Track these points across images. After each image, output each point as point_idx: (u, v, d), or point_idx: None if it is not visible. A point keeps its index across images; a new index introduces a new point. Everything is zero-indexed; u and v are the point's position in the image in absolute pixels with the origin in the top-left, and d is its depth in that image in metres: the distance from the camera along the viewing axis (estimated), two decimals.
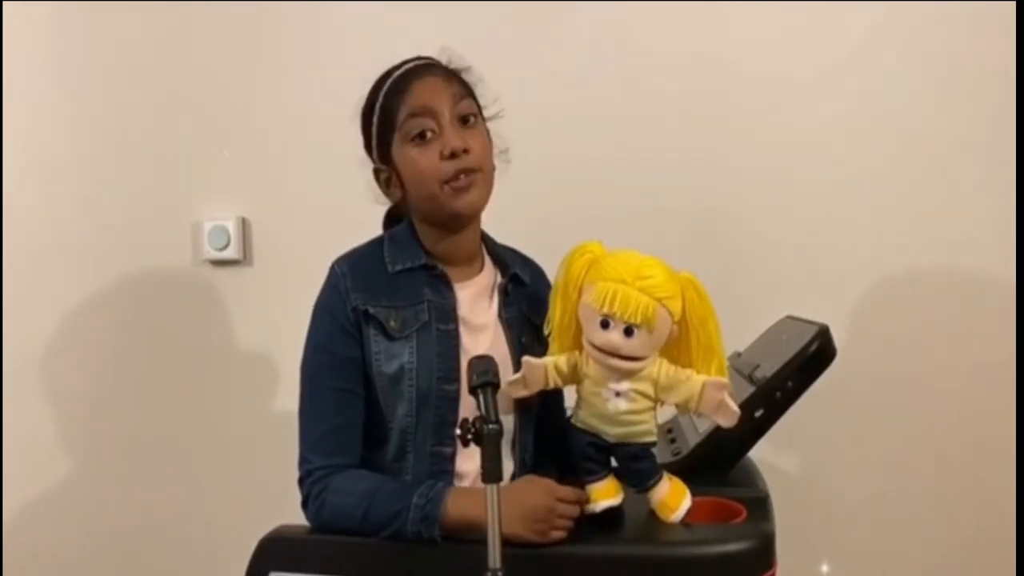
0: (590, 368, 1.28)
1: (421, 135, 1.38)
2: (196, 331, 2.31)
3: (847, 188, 2.08)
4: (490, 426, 1.14)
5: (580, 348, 1.30)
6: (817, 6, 2.06)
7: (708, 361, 1.27)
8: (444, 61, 1.45)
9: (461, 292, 1.45)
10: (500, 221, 1.53)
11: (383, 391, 1.40)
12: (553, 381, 1.32)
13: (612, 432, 1.28)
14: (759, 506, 1.36)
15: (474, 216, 1.45)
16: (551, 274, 1.36)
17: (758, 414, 1.44)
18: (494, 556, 1.12)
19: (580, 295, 1.27)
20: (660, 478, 1.31)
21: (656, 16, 2.10)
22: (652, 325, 1.23)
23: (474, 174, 1.39)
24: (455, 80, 1.43)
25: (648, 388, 1.27)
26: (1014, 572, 1.86)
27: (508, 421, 1.43)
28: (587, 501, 1.30)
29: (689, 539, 1.26)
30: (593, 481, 1.30)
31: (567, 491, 1.28)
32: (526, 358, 1.32)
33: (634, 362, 1.25)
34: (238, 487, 2.30)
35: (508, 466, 1.45)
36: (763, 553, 1.25)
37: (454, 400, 1.40)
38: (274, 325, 2.23)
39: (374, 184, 1.49)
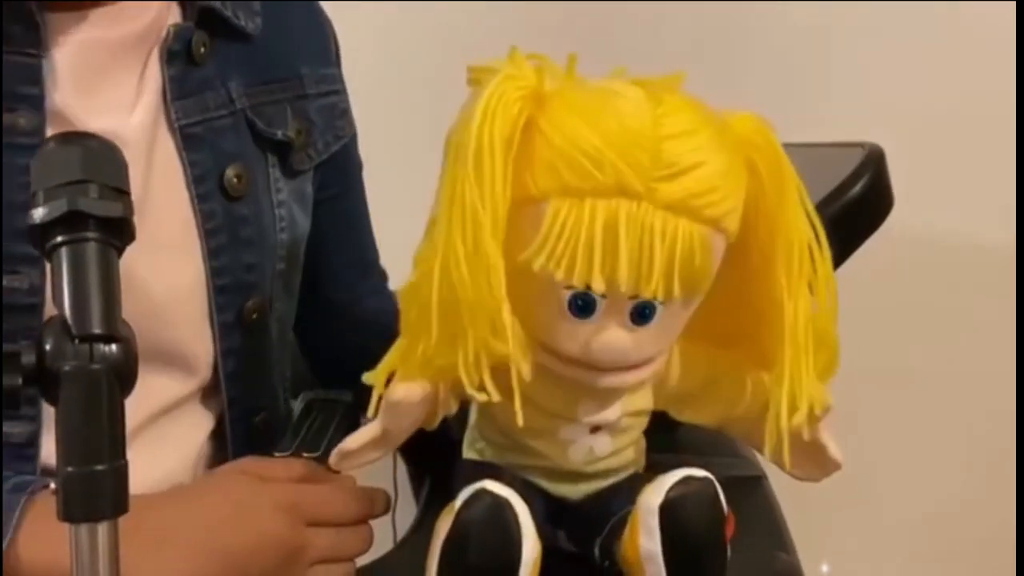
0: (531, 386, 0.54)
1: None
2: None
3: None
4: (99, 347, 0.42)
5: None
6: None
7: (795, 294, 0.52)
8: None
9: (63, 48, 0.62)
10: None
11: None
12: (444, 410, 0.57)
13: (574, 492, 0.58)
14: (757, 498, 0.67)
15: None
16: None
17: None
18: None
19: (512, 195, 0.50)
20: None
21: None
22: (699, 285, 0.51)
23: None
24: None
25: (644, 402, 0.57)
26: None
27: (197, 278, 0.67)
28: (383, 510, 0.59)
29: None
30: None
31: (332, 499, 0.57)
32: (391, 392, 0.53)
33: (643, 369, 0.54)
34: None
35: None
36: None
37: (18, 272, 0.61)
38: None
39: None
